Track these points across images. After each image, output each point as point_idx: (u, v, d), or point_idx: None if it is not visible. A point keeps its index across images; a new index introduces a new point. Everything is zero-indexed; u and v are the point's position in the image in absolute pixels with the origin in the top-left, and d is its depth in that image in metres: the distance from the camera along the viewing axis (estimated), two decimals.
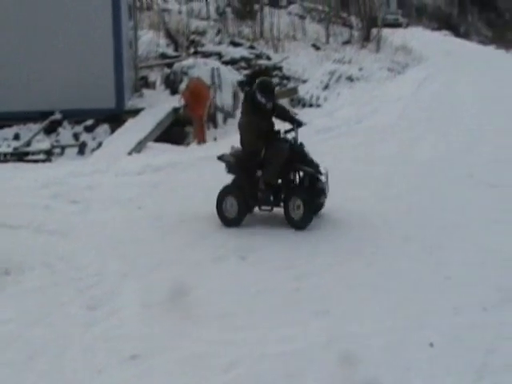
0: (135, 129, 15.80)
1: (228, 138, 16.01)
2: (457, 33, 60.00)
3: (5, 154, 15.08)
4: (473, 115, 18.16)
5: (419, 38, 44.65)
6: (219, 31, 30.75)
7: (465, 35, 59.09)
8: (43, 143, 15.73)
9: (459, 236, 8.68)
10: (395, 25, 50.12)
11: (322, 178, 9.13)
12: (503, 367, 5.47)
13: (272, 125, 9.29)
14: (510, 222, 9.25)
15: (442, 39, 50.82)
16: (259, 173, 9.10)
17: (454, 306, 6.54)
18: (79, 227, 9.16)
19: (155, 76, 22.04)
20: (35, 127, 16.54)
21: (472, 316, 6.36)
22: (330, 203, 9.42)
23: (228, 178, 9.30)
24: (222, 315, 6.46)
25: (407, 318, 6.34)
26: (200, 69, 20.02)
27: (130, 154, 13.84)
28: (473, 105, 20.14)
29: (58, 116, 16.83)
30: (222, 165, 9.40)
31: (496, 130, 15.88)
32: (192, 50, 25.59)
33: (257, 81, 9.25)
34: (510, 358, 5.60)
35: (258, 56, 25.64)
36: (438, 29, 61.50)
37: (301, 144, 9.27)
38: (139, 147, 14.55)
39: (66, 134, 16.63)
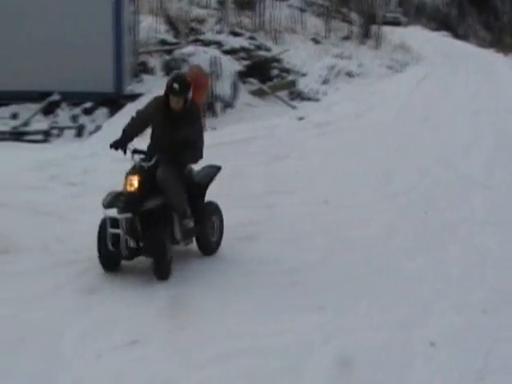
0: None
1: (226, 128, 16.01)
2: (455, 34, 59.93)
3: (2, 133, 15.01)
4: (469, 117, 18.16)
5: (418, 37, 44.62)
6: (219, 20, 30.63)
7: (463, 37, 59.00)
8: (41, 124, 15.67)
9: (457, 236, 8.69)
10: (395, 23, 50.02)
11: None
12: (502, 368, 5.48)
13: None
14: (503, 222, 9.34)
15: (441, 40, 50.72)
16: None
17: (454, 306, 6.56)
18: (76, 210, 9.10)
19: (154, 62, 21.93)
20: (33, 107, 16.44)
21: (472, 317, 6.36)
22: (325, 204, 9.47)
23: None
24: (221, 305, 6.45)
25: (407, 315, 6.34)
26: (200, 57, 19.92)
27: None
28: (470, 106, 20.13)
29: (56, 97, 16.75)
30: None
31: (492, 132, 15.93)
32: (192, 38, 25.48)
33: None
34: (509, 360, 5.62)
35: (258, 47, 25.52)
36: (437, 29, 61.42)
37: None
38: None
39: (64, 115, 16.56)
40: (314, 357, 5.52)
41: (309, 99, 22.21)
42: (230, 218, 8.52)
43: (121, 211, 6.86)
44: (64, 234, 8.09)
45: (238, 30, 28.44)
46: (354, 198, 10.13)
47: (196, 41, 24.56)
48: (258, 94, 21.81)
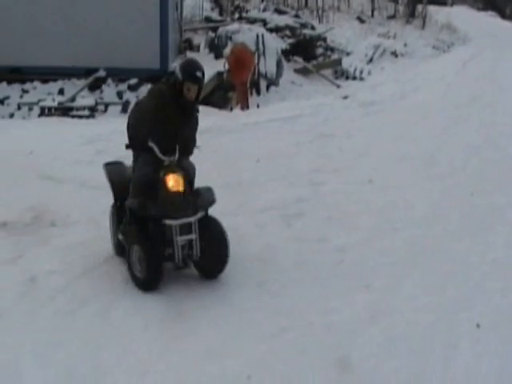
0: None
1: (271, 106, 16.00)
2: (502, 14, 58.94)
3: (49, 108, 15.20)
4: None
5: (464, 17, 44.03)
6: None
7: (511, 17, 58.02)
8: (87, 99, 15.84)
9: (504, 218, 8.58)
10: (440, 2, 49.49)
11: None
12: None
13: None
14: None
15: (488, 20, 49.99)
16: None
17: (501, 288, 6.49)
18: None
19: (199, 39, 22.00)
20: (80, 83, 16.64)
21: None
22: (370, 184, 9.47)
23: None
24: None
25: (453, 297, 6.30)
26: (245, 34, 19.93)
27: None
28: None
29: (102, 73, 16.91)
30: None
31: None
32: (237, 16, 25.49)
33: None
34: None
35: (303, 25, 25.44)
36: (484, 9, 60.51)
37: None
38: None
39: (109, 91, 16.72)
40: (363, 334, 5.56)
41: (353, 78, 22.11)
42: (276, 196, 8.55)
43: (191, 213, 6.19)
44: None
45: (282, 8, 28.45)
46: (399, 179, 10.04)
47: (241, 18, 24.59)
48: (303, 72, 21.77)
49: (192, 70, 6.29)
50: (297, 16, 27.01)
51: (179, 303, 5.96)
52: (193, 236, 6.20)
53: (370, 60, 24.29)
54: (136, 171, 6.47)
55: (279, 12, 26.84)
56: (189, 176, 6.41)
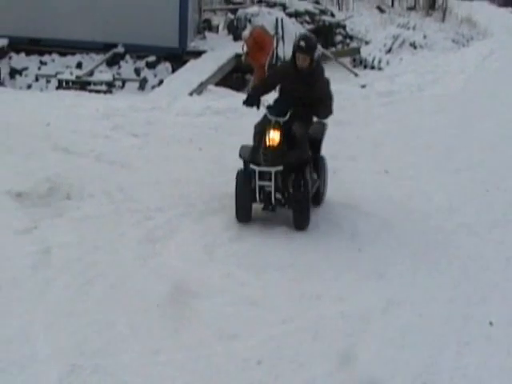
0: (197, 70, 15.75)
1: None
2: None
3: (67, 82, 15.18)
4: None
5: (485, 12, 43.66)
6: None
7: None
8: (105, 74, 15.81)
9: None
10: None
11: None
12: None
13: None
14: None
15: (509, 16, 49.58)
16: None
17: None
18: (139, 160, 9.20)
19: (218, 20, 21.93)
20: (98, 58, 16.62)
21: None
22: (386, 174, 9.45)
23: None
24: (283, 267, 6.47)
25: (466, 292, 6.27)
26: (264, 18, 19.83)
27: (190, 94, 13.80)
28: None
29: (120, 49, 16.87)
30: None
31: None
32: None
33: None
34: None
35: (323, 11, 25.24)
36: (505, 5, 59.97)
37: None
38: (200, 89, 14.50)
39: (127, 67, 16.70)
40: (376, 324, 5.57)
41: (372, 68, 21.95)
42: None
43: (270, 164, 7.08)
44: (125, 183, 8.19)
45: None
46: (415, 171, 9.97)
47: (260, 1, 24.38)
48: (321, 59, 21.60)
49: (298, 41, 7.33)
50: (316, 2, 26.77)
51: (190, 281, 5.95)
52: (268, 183, 7.14)
53: (389, 50, 24.10)
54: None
55: None
56: (294, 135, 7.21)
